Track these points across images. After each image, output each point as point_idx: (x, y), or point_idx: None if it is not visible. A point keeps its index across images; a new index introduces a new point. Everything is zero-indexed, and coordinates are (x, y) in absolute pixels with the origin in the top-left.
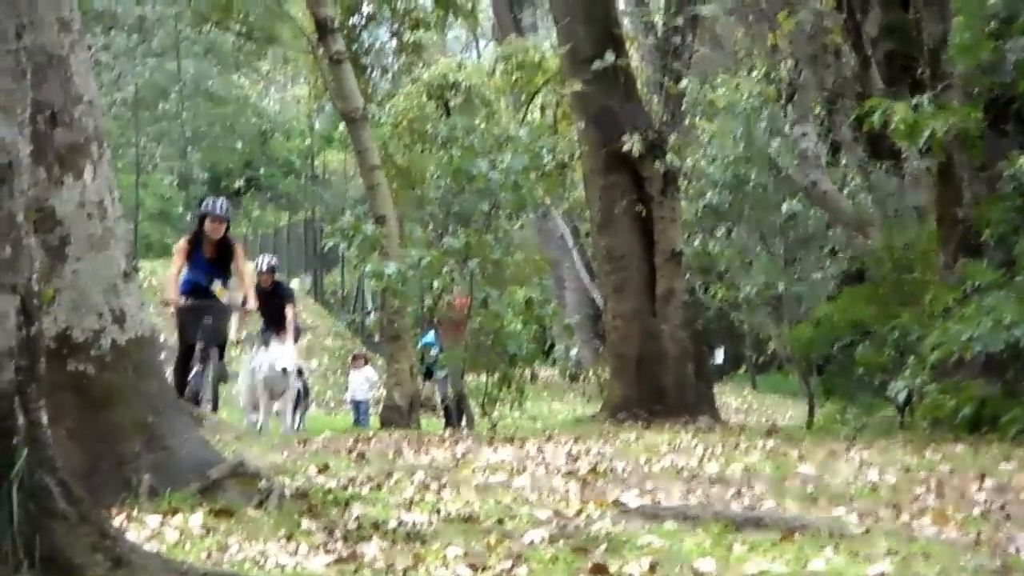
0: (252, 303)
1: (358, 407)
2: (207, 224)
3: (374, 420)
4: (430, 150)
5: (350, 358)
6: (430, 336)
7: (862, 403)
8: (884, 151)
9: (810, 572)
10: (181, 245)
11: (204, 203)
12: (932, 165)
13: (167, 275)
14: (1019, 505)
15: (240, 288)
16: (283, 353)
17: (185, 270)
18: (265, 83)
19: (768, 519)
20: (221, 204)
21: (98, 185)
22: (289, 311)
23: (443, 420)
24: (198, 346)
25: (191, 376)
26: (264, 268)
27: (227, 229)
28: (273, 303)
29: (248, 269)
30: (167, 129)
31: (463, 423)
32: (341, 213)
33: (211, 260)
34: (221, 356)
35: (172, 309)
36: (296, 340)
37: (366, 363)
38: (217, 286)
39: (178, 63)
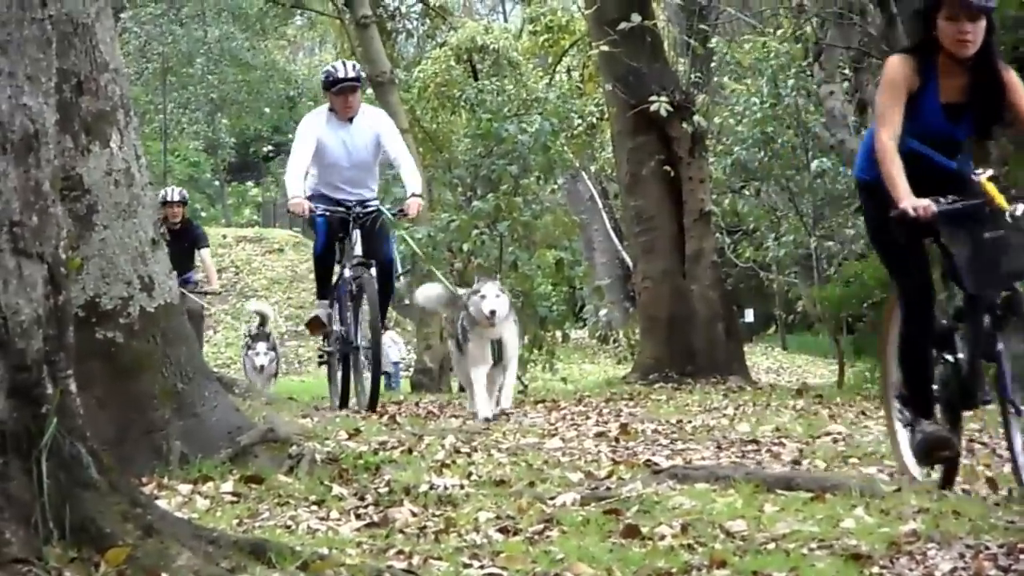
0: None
1: (387, 372)
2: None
3: (405, 384)
4: (458, 114)
5: None
6: None
7: None
8: None
9: (841, 531)
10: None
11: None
12: None
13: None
14: None
15: None
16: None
17: None
18: (292, 48)
19: (799, 479)
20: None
21: (125, 153)
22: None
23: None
24: None
25: None
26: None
27: None
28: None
29: None
30: (194, 95)
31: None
32: None
33: None
34: None
35: None
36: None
37: (386, 329)
38: None
39: (204, 29)
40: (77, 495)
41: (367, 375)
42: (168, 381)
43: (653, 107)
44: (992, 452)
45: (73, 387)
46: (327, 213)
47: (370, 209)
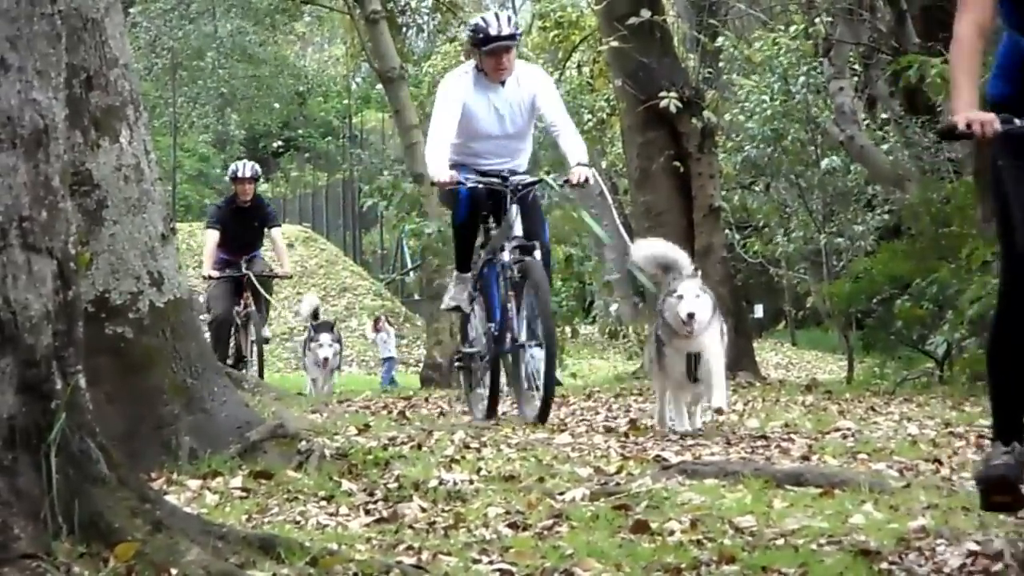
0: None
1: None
2: None
3: (406, 379)
4: None
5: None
6: None
7: (901, 358)
8: (920, 106)
9: (850, 527)
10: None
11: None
12: None
13: None
14: None
15: None
16: None
17: None
18: (302, 43)
19: (808, 475)
20: None
21: (135, 148)
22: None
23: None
24: None
25: None
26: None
27: None
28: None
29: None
30: (204, 89)
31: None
32: (379, 173)
33: None
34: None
35: None
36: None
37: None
38: None
39: (214, 24)
40: (86, 490)
41: (538, 381)
42: (177, 376)
43: (663, 103)
44: None
45: (82, 382)
46: (478, 185)
47: (529, 180)
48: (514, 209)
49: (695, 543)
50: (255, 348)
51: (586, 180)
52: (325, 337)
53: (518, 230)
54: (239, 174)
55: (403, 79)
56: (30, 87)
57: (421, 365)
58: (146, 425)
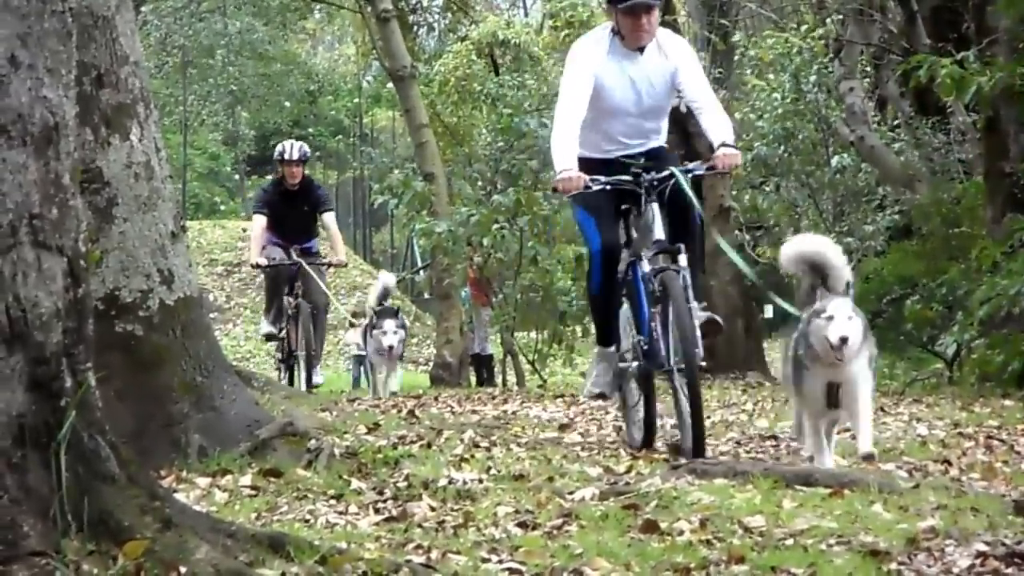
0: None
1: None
2: None
3: (416, 378)
4: (479, 108)
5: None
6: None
7: (911, 358)
8: (931, 106)
9: (859, 527)
10: None
11: None
12: (978, 120)
13: None
14: None
15: None
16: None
17: None
18: (312, 42)
19: (818, 475)
20: None
21: (145, 146)
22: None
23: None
24: None
25: None
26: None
27: None
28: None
29: None
30: (214, 87)
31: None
32: (390, 171)
33: None
34: None
35: None
36: None
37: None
38: None
39: (224, 22)
40: (96, 488)
41: (685, 406)
42: (187, 374)
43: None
44: (1010, 449)
45: (92, 380)
46: (606, 187)
47: (665, 173)
48: (652, 209)
49: (704, 543)
50: (304, 351)
51: (734, 166)
52: (389, 323)
53: (659, 232)
54: (286, 156)
55: (414, 78)
56: (40, 84)
57: (431, 364)
58: (156, 423)
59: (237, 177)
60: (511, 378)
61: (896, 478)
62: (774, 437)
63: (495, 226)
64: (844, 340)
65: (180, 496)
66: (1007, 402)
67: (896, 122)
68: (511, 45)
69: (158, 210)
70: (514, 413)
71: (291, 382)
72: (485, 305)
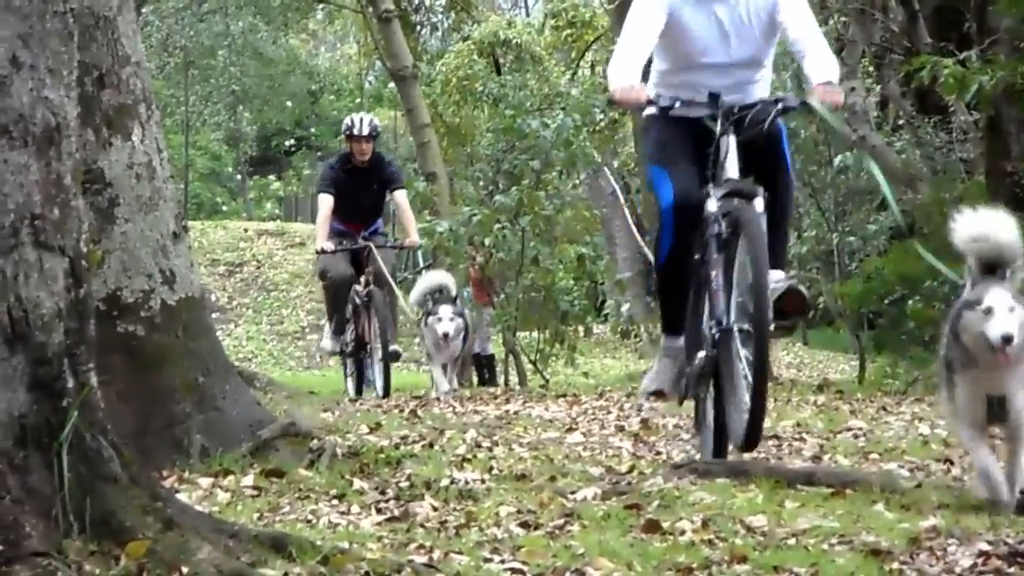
0: None
1: None
2: None
3: (416, 378)
4: (481, 108)
5: None
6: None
7: (913, 358)
8: (932, 106)
9: (862, 527)
10: None
11: None
12: (980, 119)
13: None
14: None
15: None
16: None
17: None
18: (314, 42)
19: (820, 474)
20: None
21: (147, 146)
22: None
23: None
24: None
25: None
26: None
27: None
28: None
29: None
30: (216, 88)
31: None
32: None
33: None
34: None
35: None
36: None
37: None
38: None
39: (226, 22)
40: (98, 488)
41: (743, 380)
42: (189, 374)
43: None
44: None
45: (94, 380)
46: (674, 104)
47: (748, 102)
48: (727, 143)
49: (706, 543)
50: (380, 346)
51: (836, 105)
52: (445, 309)
53: (732, 170)
54: (354, 131)
55: (416, 78)
56: (42, 85)
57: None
58: (158, 423)
59: (239, 177)
60: (513, 378)
61: (898, 477)
62: (776, 437)
63: (497, 226)
64: (1008, 340)
65: (182, 496)
66: None
67: (898, 122)
68: (513, 45)
69: (160, 210)
70: (516, 413)
71: (359, 390)
72: (487, 305)
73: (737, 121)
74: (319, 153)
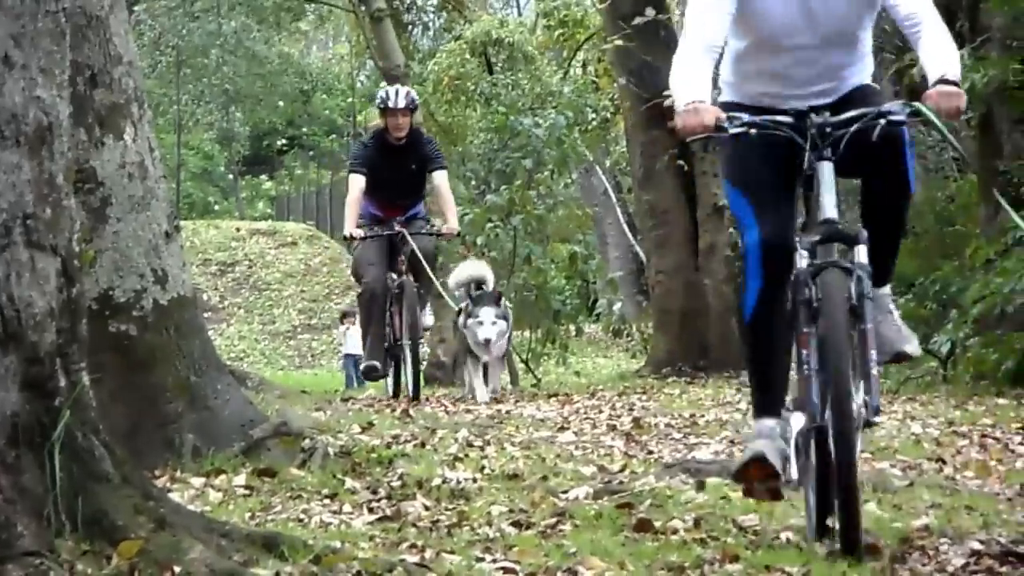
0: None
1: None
2: None
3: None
4: (473, 107)
5: (341, 316)
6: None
7: None
8: None
9: None
10: None
11: None
12: (972, 117)
13: None
14: None
15: None
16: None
17: None
18: (306, 41)
19: None
20: None
21: (139, 146)
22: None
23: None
24: None
25: None
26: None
27: None
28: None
29: None
30: (208, 87)
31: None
32: None
33: None
34: None
35: None
36: None
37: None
38: None
39: (218, 22)
40: (90, 488)
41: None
42: (181, 374)
43: (667, 102)
44: (1005, 447)
45: (86, 380)
46: (749, 130)
47: (848, 115)
48: (823, 171)
49: (698, 542)
50: (409, 341)
51: (958, 112)
52: (487, 312)
53: (829, 207)
54: (390, 103)
55: (408, 77)
56: (34, 84)
57: (425, 363)
58: (150, 423)
59: (231, 177)
60: (504, 377)
61: (890, 476)
62: None
63: (489, 225)
64: None
65: (174, 496)
66: (1001, 400)
67: None
68: (505, 44)
69: (152, 210)
70: (508, 412)
71: (396, 390)
72: None
73: (834, 142)
74: (311, 152)
